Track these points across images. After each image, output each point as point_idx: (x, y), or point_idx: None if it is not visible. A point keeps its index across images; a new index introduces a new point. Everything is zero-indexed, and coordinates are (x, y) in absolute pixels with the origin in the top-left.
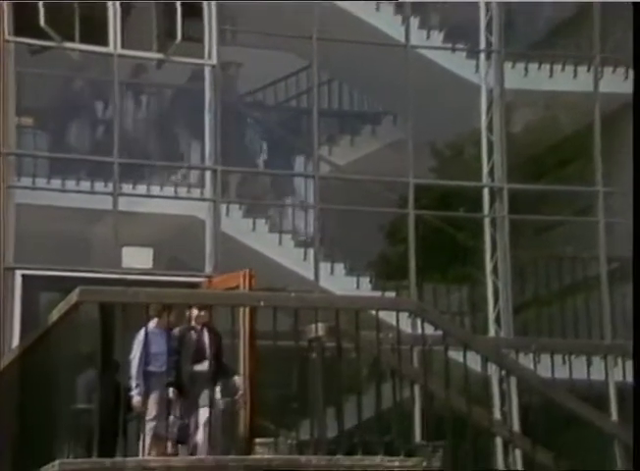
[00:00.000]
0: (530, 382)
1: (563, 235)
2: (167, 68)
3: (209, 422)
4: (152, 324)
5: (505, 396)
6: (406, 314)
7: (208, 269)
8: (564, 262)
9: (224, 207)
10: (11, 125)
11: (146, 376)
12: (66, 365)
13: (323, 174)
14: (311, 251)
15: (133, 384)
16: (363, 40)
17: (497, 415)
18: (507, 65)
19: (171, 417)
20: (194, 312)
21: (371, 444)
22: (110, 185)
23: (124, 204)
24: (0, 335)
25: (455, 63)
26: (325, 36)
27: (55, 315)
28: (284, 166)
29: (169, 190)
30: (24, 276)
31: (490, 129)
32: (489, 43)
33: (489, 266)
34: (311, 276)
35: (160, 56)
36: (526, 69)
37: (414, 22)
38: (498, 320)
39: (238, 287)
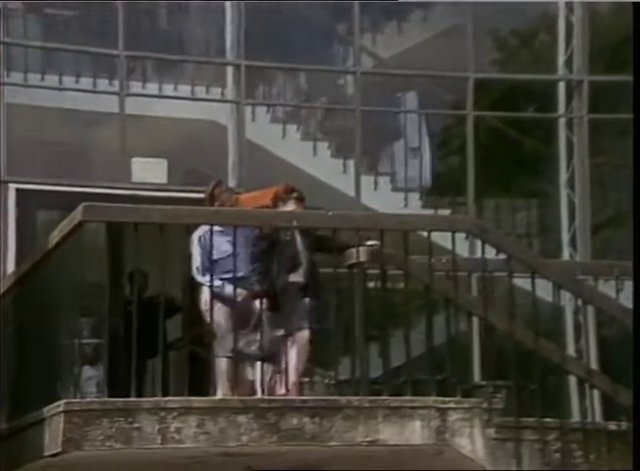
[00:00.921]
0: (611, 312)
1: None
2: None
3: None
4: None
5: (580, 330)
6: (463, 235)
7: (231, 183)
8: None
9: (249, 110)
10: None
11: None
12: (69, 294)
13: (365, 68)
14: (351, 163)
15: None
16: None
17: (571, 351)
18: None
19: (251, 335)
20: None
21: (421, 384)
22: (116, 84)
23: (132, 106)
24: None
25: None
26: None
27: (56, 237)
28: (319, 60)
29: (185, 90)
30: (18, 190)
31: (570, 7)
32: None
33: (563, 177)
34: (352, 191)
35: None
36: None
37: None
38: (573, 241)
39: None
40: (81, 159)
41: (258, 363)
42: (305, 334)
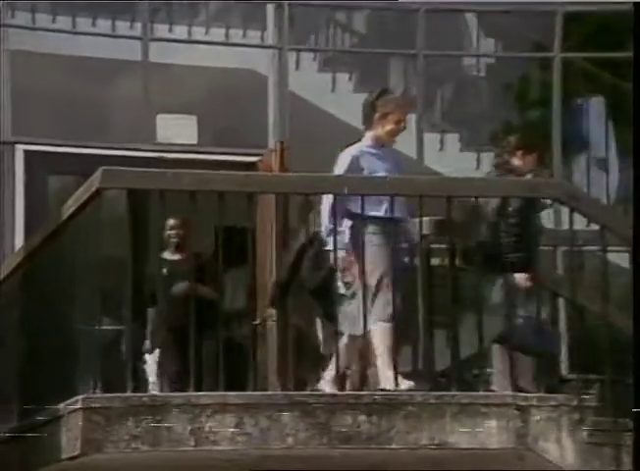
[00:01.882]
0: None
1: None
2: None
3: None
4: (367, 141)
5: None
6: (547, 202)
7: (272, 144)
8: None
9: (292, 57)
10: None
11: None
12: (87, 272)
13: (431, 5)
14: (412, 118)
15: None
16: None
17: None
18: None
19: None
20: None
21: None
22: (138, 26)
23: (157, 53)
24: None
25: None
26: None
27: (70, 206)
28: None
29: (218, 34)
30: (26, 153)
31: None
32: None
33: None
34: (413, 152)
35: None
36: None
37: None
38: None
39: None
40: (99, 116)
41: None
42: None
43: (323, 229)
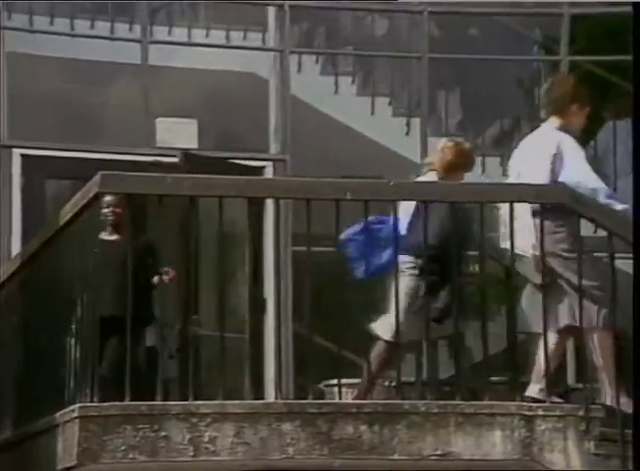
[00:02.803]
0: None
1: None
2: None
3: None
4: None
5: None
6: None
7: (273, 148)
8: None
9: (294, 60)
10: None
11: None
12: (85, 278)
13: (435, 7)
14: (417, 122)
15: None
16: None
17: None
18: None
19: None
20: None
21: (502, 386)
22: (137, 29)
23: (156, 56)
24: None
25: None
26: None
27: (68, 211)
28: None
29: (219, 36)
30: (23, 157)
31: None
32: None
33: None
34: (417, 157)
35: None
36: None
37: None
38: None
39: None
40: (97, 119)
41: None
42: None
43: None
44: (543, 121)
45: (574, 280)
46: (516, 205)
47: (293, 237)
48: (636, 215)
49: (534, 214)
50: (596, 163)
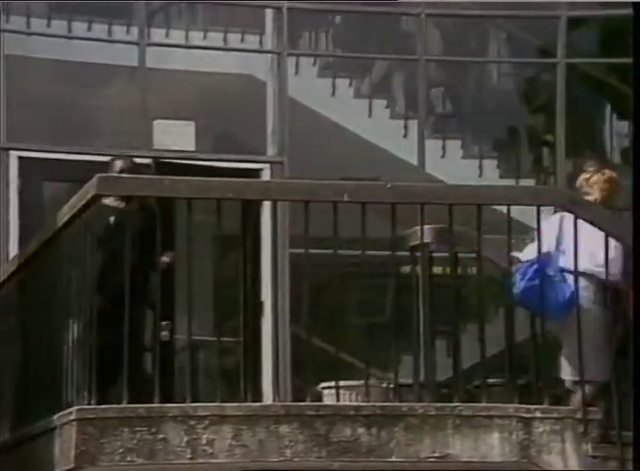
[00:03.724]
0: None
1: None
2: None
3: None
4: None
5: None
6: (551, 210)
7: (271, 151)
8: None
9: (292, 62)
10: None
11: None
12: (82, 281)
13: (432, 9)
14: (414, 124)
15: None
16: None
17: None
18: None
19: None
20: None
21: (500, 388)
22: (134, 31)
23: (154, 58)
24: None
25: None
26: None
27: (66, 213)
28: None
29: (216, 38)
30: (21, 159)
31: None
32: None
33: None
34: (414, 159)
35: None
36: None
37: None
38: None
39: None
40: (95, 122)
41: None
42: None
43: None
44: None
45: None
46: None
47: (291, 240)
48: (636, 215)
49: None
50: None
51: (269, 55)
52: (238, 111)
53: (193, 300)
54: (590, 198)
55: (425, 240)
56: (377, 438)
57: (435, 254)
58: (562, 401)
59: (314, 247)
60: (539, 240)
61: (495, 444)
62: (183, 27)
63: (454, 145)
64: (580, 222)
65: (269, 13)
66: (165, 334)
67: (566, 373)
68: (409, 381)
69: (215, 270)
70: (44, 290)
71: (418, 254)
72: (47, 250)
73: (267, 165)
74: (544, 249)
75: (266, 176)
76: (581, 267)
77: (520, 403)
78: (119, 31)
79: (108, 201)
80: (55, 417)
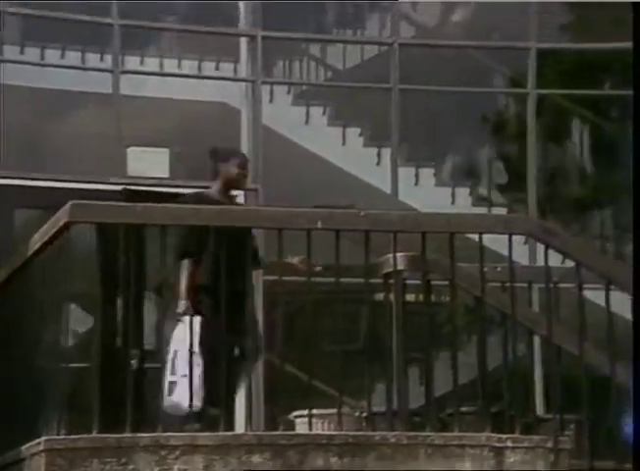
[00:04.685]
0: None
1: None
2: None
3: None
4: None
5: None
6: (522, 238)
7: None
8: None
9: (266, 90)
10: None
11: None
12: (54, 309)
13: (405, 39)
14: (387, 152)
15: None
16: None
17: None
18: None
19: None
20: None
21: (472, 417)
22: (109, 59)
23: (128, 86)
24: None
25: None
26: None
27: (37, 241)
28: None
29: (190, 66)
30: None
31: None
32: None
33: None
34: (387, 187)
35: None
36: None
37: None
38: None
39: None
40: (68, 149)
41: None
42: None
43: None
44: None
45: None
46: None
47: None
48: (636, 215)
49: None
50: None
51: (243, 83)
52: (212, 138)
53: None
54: None
55: (398, 268)
56: (349, 466)
57: (408, 282)
58: (534, 430)
59: (288, 274)
60: (511, 269)
61: None
62: (157, 55)
63: (427, 173)
64: None
65: (243, 41)
66: (134, 362)
67: None
68: (382, 409)
69: None
70: (16, 317)
71: (392, 282)
72: (18, 278)
73: (241, 192)
74: None
75: (240, 203)
76: None
77: (493, 432)
78: (93, 59)
79: None
80: (24, 447)
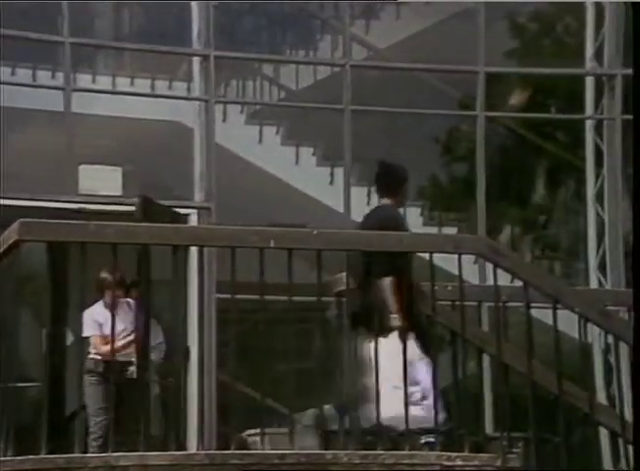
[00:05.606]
0: None
1: None
2: None
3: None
4: None
5: (612, 372)
6: (472, 258)
7: (198, 197)
8: None
9: (219, 109)
10: None
11: None
12: (3, 329)
13: (357, 61)
14: (340, 172)
15: None
16: None
17: (601, 398)
18: None
19: None
20: None
21: (423, 436)
22: (60, 76)
23: (80, 103)
24: None
25: None
26: None
27: None
28: (303, 51)
29: (143, 85)
30: None
31: None
32: None
33: (591, 190)
34: (340, 206)
35: None
36: None
37: None
38: (602, 266)
39: None
40: (19, 167)
41: None
42: None
43: None
44: None
45: None
46: None
47: (218, 285)
48: (636, 215)
49: None
50: None
51: (197, 102)
52: (165, 157)
53: None
54: None
55: (350, 287)
56: None
57: None
58: (483, 449)
59: (241, 293)
60: (461, 288)
61: None
62: (110, 73)
63: None
64: None
65: (196, 60)
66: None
67: None
68: (335, 427)
69: None
70: None
71: (344, 300)
72: None
73: (194, 210)
74: None
75: (193, 221)
76: None
77: (443, 451)
78: (44, 76)
79: None
80: None
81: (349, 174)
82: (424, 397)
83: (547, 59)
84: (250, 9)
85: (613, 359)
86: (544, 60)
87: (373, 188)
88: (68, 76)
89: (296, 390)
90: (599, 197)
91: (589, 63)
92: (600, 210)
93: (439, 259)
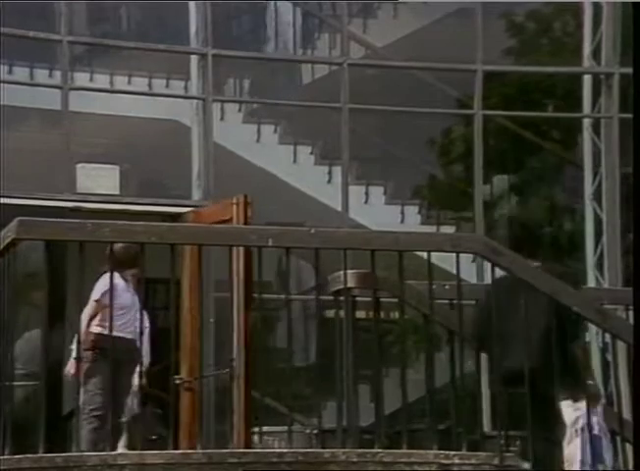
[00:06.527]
0: None
1: None
2: None
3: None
4: None
5: (609, 370)
6: (470, 257)
7: (196, 195)
8: None
9: (217, 108)
10: None
11: None
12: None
13: (354, 59)
14: (338, 170)
15: None
16: None
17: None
18: None
19: None
20: None
21: (421, 434)
22: (58, 75)
23: (77, 102)
24: None
25: None
26: None
27: None
28: (301, 49)
29: (141, 84)
30: None
31: None
32: None
33: (589, 189)
34: (338, 205)
35: None
36: None
37: None
38: (599, 264)
39: (231, 220)
40: (16, 165)
41: None
42: None
43: None
44: None
45: None
46: None
47: (216, 284)
48: (636, 215)
49: None
50: None
51: (194, 100)
52: (163, 156)
53: None
54: None
55: (348, 285)
56: None
57: (358, 299)
58: (481, 447)
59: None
60: (459, 287)
61: None
62: (107, 72)
63: (377, 191)
64: None
65: (194, 59)
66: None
67: None
68: (333, 426)
69: None
70: None
71: (342, 299)
72: None
73: (192, 209)
74: None
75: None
76: None
77: (440, 449)
78: (41, 75)
79: None
80: None
81: (347, 172)
82: None
83: (544, 57)
84: (249, 8)
85: (610, 357)
86: (541, 58)
87: (371, 187)
88: (65, 74)
89: (294, 388)
90: (596, 196)
91: (586, 61)
92: (597, 209)
93: (437, 258)
